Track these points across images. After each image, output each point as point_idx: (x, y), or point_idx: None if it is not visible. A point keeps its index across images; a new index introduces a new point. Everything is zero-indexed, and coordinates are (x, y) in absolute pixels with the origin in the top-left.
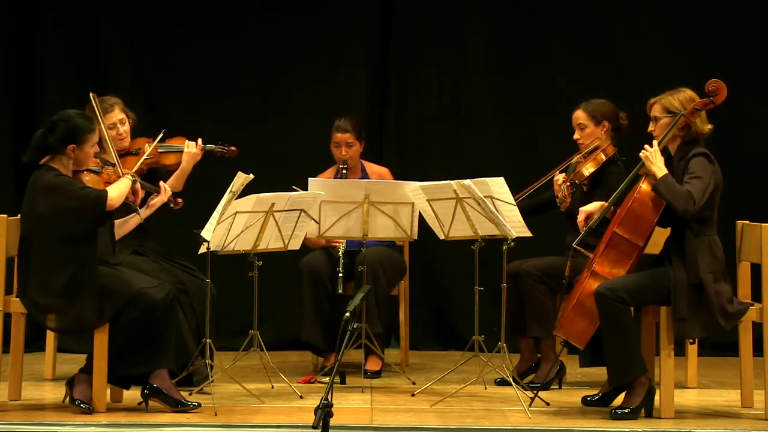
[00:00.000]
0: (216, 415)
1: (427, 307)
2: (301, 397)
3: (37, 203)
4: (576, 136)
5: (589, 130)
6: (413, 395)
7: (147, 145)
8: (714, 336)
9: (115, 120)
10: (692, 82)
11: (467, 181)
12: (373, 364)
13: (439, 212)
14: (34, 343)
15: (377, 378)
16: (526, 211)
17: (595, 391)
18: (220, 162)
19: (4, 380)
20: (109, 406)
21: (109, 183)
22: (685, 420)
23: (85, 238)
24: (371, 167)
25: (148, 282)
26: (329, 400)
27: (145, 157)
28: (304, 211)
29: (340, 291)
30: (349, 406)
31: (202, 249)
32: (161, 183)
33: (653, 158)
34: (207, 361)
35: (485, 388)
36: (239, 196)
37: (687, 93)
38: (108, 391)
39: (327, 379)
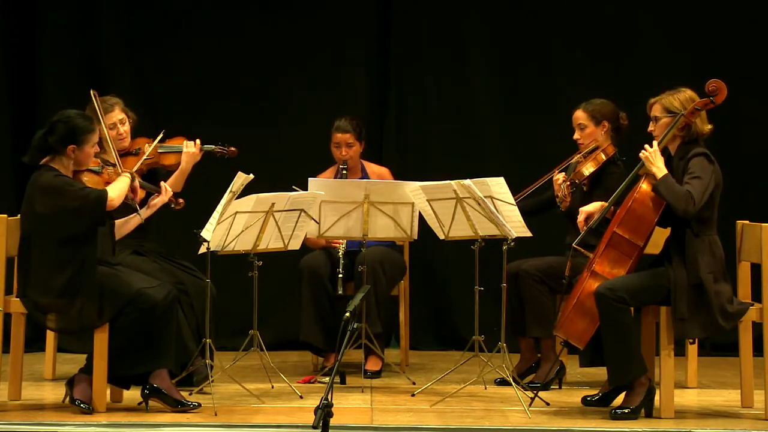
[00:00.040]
0: (216, 415)
1: (427, 307)
2: (301, 397)
3: (37, 203)
4: (576, 136)
5: (589, 130)
6: (413, 395)
7: (147, 145)
8: (714, 336)
9: (116, 120)
10: (692, 82)
11: (467, 181)
12: (373, 364)
13: (439, 212)
14: (34, 343)
15: (377, 378)
16: (526, 211)
17: (595, 391)
18: (220, 162)
19: (4, 380)
20: (109, 406)
21: (109, 183)
22: (685, 420)
23: (85, 238)
24: (371, 167)
25: (148, 282)
26: (329, 400)
27: (145, 157)
28: (304, 211)
29: (340, 292)
30: (349, 406)
31: (202, 249)
32: (162, 183)
33: (653, 158)
34: (207, 361)
35: (485, 388)
36: (239, 196)
37: (687, 93)
38: (108, 391)
39: (327, 379)
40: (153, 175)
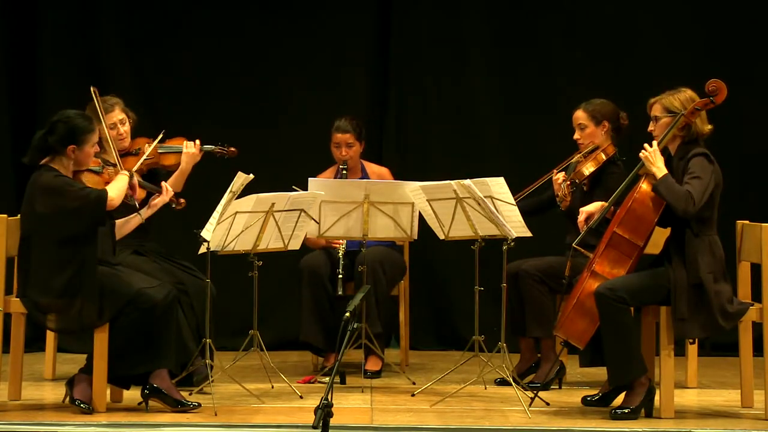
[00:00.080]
0: (216, 415)
1: (427, 307)
2: (301, 397)
3: (37, 204)
4: (576, 136)
5: (589, 130)
6: (413, 395)
7: (147, 145)
8: (714, 336)
9: (116, 120)
10: (692, 82)
11: (467, 181)
12: (373, 364)
13: (439, 212)
14: (34, 343)
15: (377, 378)
16: (526, 211)
17: (595, 391)
18: (220, 162)
19: (4, 380)
20: (109, 406)
21: (109, 183)
22: (685, 420)
23: (85, 238)
24: (371, 167)
25: (148, 282)
26: (329, 400)
27: (144, 157)
28: (304, 211)
29: (340, 292)
30: (349, 406)
31: (202, 249)
32: (163, 183)
33: (653, 158)
34: (207, 361)
35: (485, 388)
36: (239, 196)
37: (687, 93)
38: (108, 391)
39: (327, 379)
40: (153, 176)
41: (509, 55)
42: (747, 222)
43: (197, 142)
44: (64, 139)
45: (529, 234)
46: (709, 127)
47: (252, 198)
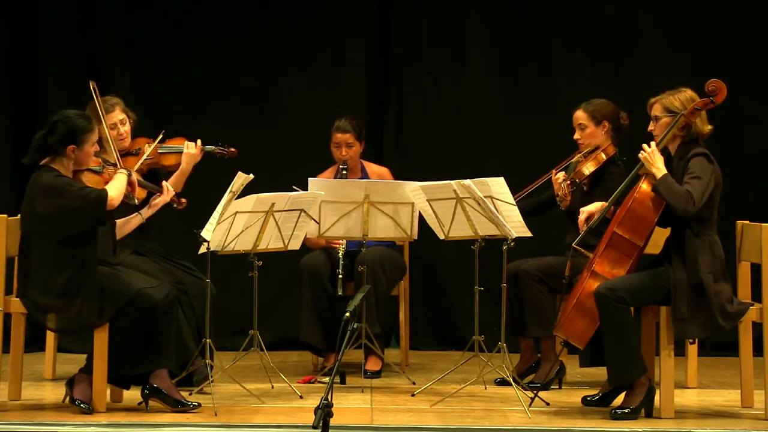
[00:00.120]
0: (216, 415)
1: (427, 307)
2: (301, 397)
3: (37, 204)
4: (576, 136)
5: (589, 130)
6: (413, 395)
7: (147, 145)
8: (714, 336)
9: (116, 120)
10: (692, 82)
11: (467, 181)
12: (373, 364)
13: (439, 212)
14: (34, 343)
15: (377, 378)
16: (526, 211)
17: (595, 391)
18: (220, 162)
19: (4, 380)
20: (109, 406)
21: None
22: (685, 420)
23: (85, 238)
24: (371, 167)
25: (148, 282)
26: (329, 400)
27: (145, 157)
28: (304, 211)
29: (340, 293)
30: (349, 406)
31: (202, 249)
32: (164, 183)
33: (652, 159)
34: (207, 361)
35: (485, 388)
36: (239, 196)
37: (688, 93)
38: (108, 391)
39: (327, 379)
40: (153, 176)
41: (509, 55)
42: (747, 222)
43: (198, 142)
44: (63, 139)
45: (529, 234)
46: (709, 127)
47: (252, 198)
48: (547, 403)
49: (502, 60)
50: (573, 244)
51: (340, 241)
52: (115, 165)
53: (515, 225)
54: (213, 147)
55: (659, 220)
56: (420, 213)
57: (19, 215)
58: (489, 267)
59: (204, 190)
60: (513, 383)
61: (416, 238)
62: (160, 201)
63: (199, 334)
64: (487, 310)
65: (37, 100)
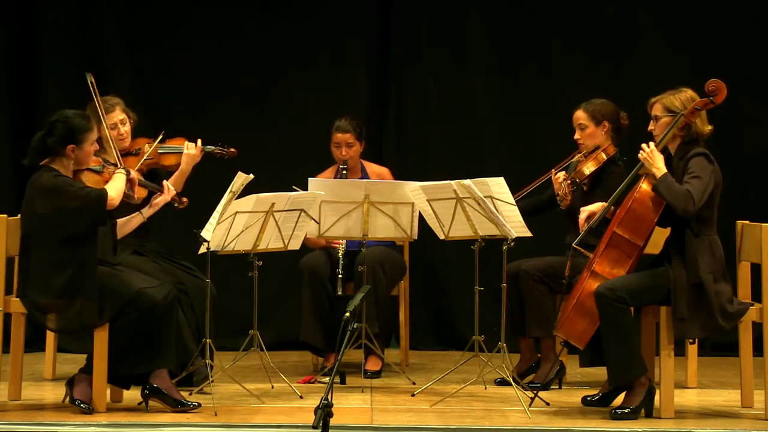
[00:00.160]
0: (216, 415)
1: (427, 307)
2: (301, 397)
3: (37, 204)
4: (576, 136)
5: (589, 130)
6: (413, 395)
7: (147, 145)
8: (714, 336)
9: (116, 120)
10: (692, 82)
11: (467, 181)
12: (373, 364)
13: (439, 212)
14: (34, 343)
15: (377, 378)
16: (526, 211)
17: (595, 391)
18: (220, 162)
19: (4, 380)
20: (109, 406)
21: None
22: (685, 420)
23: (85, 238)
24: (371, 167)
25: (148, 282)
26: (329, 400)
27: (145, 157)
28: (304, 211)
29: (340, 293)
30: (349, 406)
31: (202, 249)
32: (164, 182)
33: (651, 159)
34: (207, 361)
35: (485, 388)
36: (239, 196)
37: (688, 93)
38: (108, 391)
39: (327, 379)
40: (153, 176)
41: (509, 55)
42: (747, 222)
43: (198, 142)
44: (63, 139)
45: (529, 234)
46: (710, 127)
47: (252, 198)
48: (547, 403)
49: (502, 60)
50: (573, 244)
51: (340, 241)
52: (115, 165)
53: (515, 225)
54: (213, 147)
55: (659, 220)
56: (420, 213)
57: (19, 215)
58: (489, 267)
59: (204, 190)
60: (513, 383)
61: (416, 238)
62: (161, 200)
63: (199, 334)
64: (487, 310)
65: (37, 100)
